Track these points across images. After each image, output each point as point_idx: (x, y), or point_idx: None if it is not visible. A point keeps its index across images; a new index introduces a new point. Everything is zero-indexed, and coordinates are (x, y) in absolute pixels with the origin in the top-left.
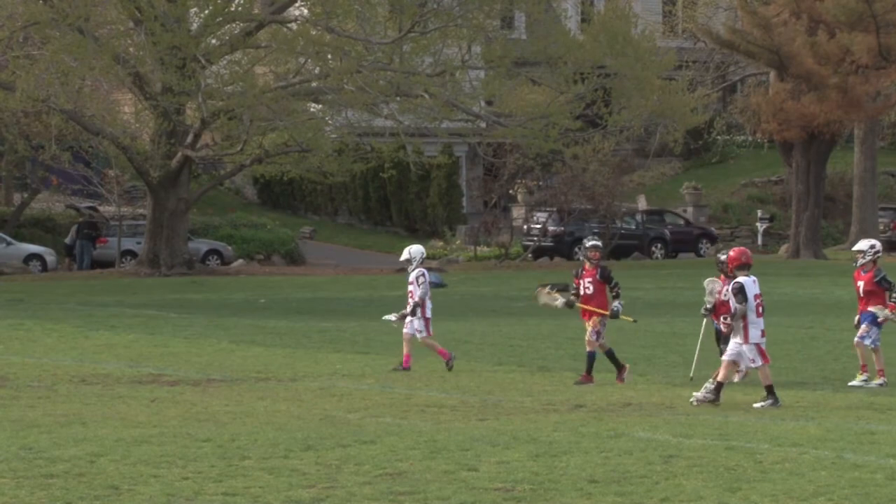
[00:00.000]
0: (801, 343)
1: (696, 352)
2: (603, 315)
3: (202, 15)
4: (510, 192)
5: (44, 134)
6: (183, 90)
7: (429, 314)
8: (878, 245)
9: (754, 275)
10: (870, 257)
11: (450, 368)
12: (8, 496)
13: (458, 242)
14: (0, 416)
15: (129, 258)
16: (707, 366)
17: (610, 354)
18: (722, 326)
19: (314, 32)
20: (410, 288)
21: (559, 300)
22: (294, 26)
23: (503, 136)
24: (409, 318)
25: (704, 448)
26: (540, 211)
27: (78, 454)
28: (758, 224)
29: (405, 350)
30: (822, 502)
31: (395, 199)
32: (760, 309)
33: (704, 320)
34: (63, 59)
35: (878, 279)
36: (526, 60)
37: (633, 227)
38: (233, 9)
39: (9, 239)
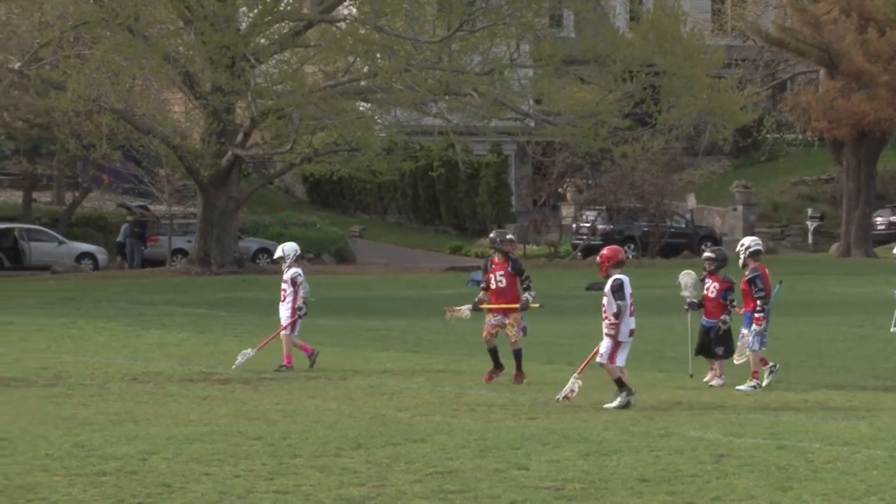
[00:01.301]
0: (851, 342)
1: (690, 348)
2: (514, 309)
3: (251, 14)
4: (559, 190)
5: (95, 133)
6: (233, 89)
7: (299, 314)
8: None
9: (806, 273)
10: None
11: (312, 365)
12: (61, 493)
13: None
14: (53, 414)
15: (179, 257)
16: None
17: (518, 354)
18: (719, 322)
19: (363, 31)
20: (284, 286)
21: (464, 309)
22: (343, 25)
23: (552, 134)
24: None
25: (756, 447)
26: (589, 209)
27: (130, 452)
28: (808, 223)
29: (286, 349)
30: (875, 502)
31: (444, 197)
32: (632, 308)
33: (689, 315)
34: (114, 59)
35: None
36: (574, 59)
37: (683, 225)
38: (282, 8)
39: (61, 238)
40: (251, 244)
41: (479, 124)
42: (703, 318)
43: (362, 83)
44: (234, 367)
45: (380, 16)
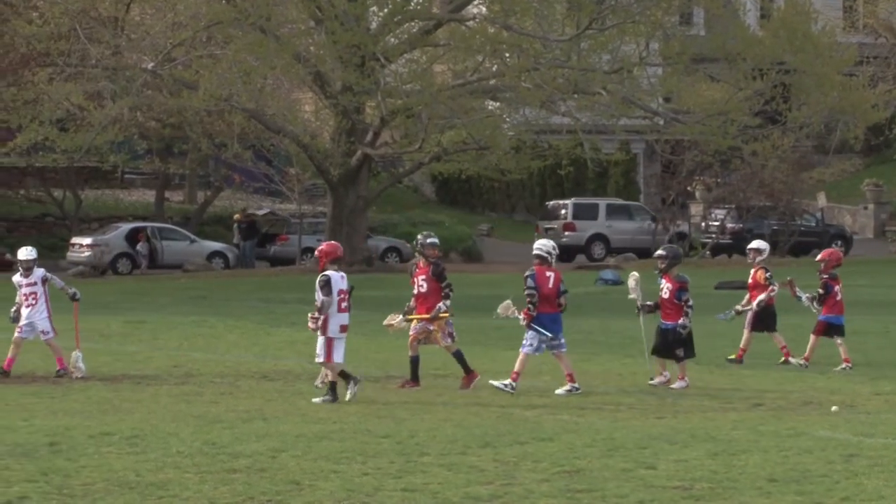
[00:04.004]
0: None
1: (646, 351)
2: (424, 319)
3: (381, 14)
4: (688, 188)
5: (226, 132)
6: (362, 89)
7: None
8: None
9: None
10: None
11: (60, 376)
12: (192, 490)
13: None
14: (184, 412)
15: (309, 255)
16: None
17: (458, 355)
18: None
19: (492, 30)
20: (33, 290)
21: (398, 318)
22: (472, 24)
23: (681, 132)
24: (21, 322)
25: (886, 447)
26: (718, 208)
27: (260, 449)
28: None
29: (11, 353)
30: None
31: (572, 196)
32: (343, 304)
33: (641, 317)
34: (245, 59)
35: None
36: (704, 57)
37: (813, 224)
38: (411, 7)
39: (192, 236)
40: (380, 243)
41: (607, 123)
42: (661, 319)
43: (491, 82)
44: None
45: (509, 14)
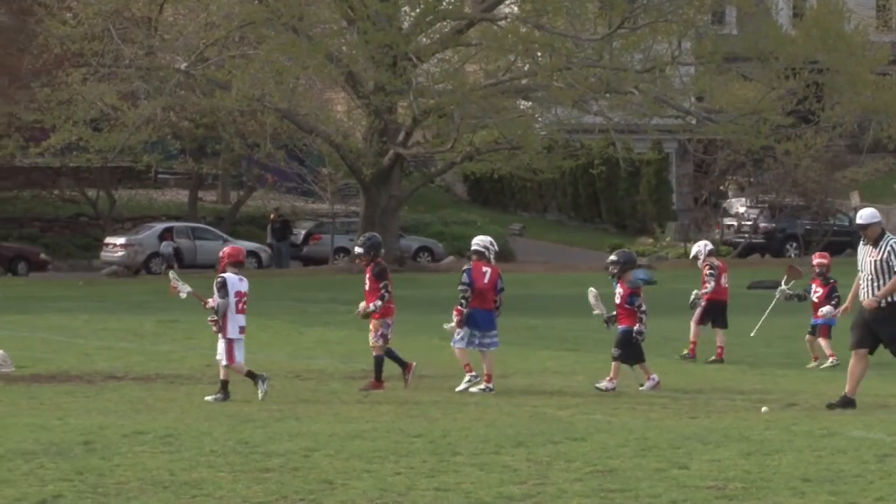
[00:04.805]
0: None
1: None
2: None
3: (413, 13)
4: (721, 188)
5: (259, 132)
6: (394, 88)
7: None
8: None
9: None
10: None
11: None
12: (225, 489)
13: (667, 239)
14: (217, 411)
15: (341, 255)
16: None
17: (378, 360)
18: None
19: (524, 30)
20: None
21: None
22: (504, 24)
23: (714, 132)
24: None
25: None
26: (751, 207)
27: (293, 449)
28: None
29: None
30: None
31: (604, 195)
32: (241, 305)
33: (610, 328)
34: (277, 59)
35: None
36: (737, 56)
37: (846, 223)
38: (443, 7)
39: (226, 236)
40: (412, 242)
41: (640, 122)
42: (617, 324)
43: (523, 81)
44: None
45: (541, 14)
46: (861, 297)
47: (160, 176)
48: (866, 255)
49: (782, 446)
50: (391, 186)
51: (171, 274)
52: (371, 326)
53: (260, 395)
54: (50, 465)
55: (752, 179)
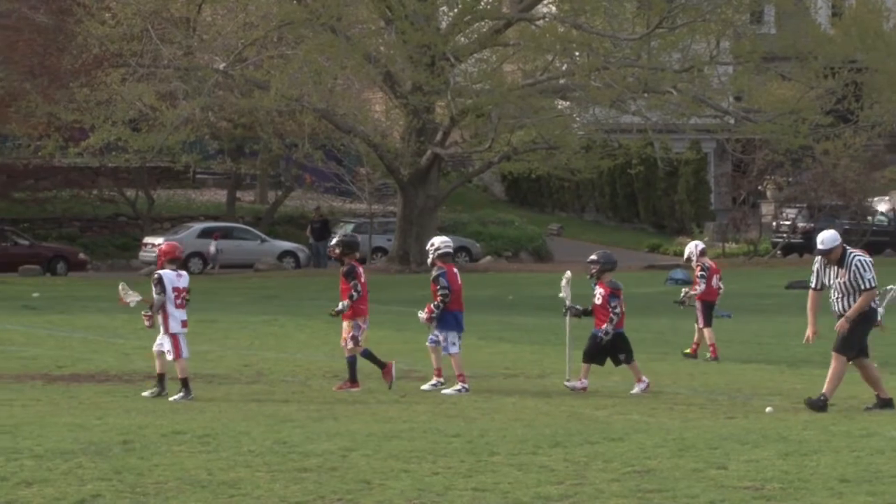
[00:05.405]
0: None
1: (566, 353)
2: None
3: (451, 13)
4: (759, 188)
5: (297, 132)
6: (432, 88)
7: None
8: None
9: None
10: None
11: None
12: (263, 489)
13: (705, 239)
14: (255, 411)
15: (379, 255)
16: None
17: (351, 360)
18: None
19: (562, 29)
20: None
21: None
22: (542, 23)
23: (752, 131)
24: None
25: None
26: (789, 207)
27: (330, 448)
28: None
29: None
30: None
31: (642, 195)
32: (179, 301)
33: (567, 319)
34: (316, 59)
35: None
36: (775, 55)
37: (886, 223)
38: (481, 7)
39: (263, 236)
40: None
41: (678, 122)
42: (594, 325)
43: (561, 81)
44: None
45: (579, 13)
46: (833, 311)
47: (198, 176)
48: (834, 277)
49: (820, 447)
50: (429, 186)
51: (121, 285)
52: (344, 329)
53: (171, 398)
54: (89, 465)
55: (790, 179)
